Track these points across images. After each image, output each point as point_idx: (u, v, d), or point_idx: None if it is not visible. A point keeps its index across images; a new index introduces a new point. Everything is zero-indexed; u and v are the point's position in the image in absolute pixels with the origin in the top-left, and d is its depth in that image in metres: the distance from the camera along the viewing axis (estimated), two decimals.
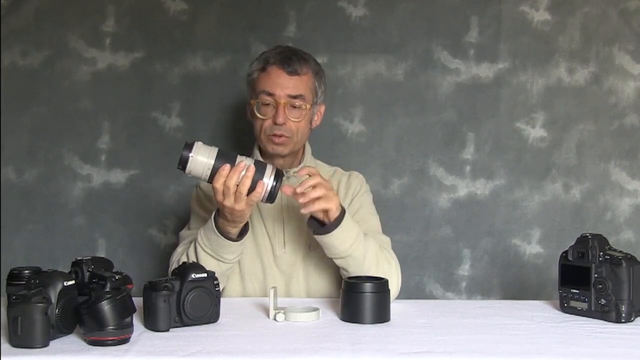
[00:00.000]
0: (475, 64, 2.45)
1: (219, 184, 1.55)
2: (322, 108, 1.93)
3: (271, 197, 1.57)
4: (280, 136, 1.81)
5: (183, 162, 1.54)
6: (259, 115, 1.83)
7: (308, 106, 1.84)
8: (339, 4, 2.45)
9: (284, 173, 1.61)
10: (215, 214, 1.66)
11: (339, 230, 1.64)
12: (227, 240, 1.65)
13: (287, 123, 1.81)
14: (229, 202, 1.56)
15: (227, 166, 1.55)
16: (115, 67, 2.45)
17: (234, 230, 1.66)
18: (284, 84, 1.81)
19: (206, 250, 1.67)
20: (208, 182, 1.57)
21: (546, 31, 2.45)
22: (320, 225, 1.66)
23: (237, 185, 1.55)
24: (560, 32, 2.45)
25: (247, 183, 1.54)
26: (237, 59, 2.42)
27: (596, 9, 2.44)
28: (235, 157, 1.57)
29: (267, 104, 1.82)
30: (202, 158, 1.55)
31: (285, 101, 1.80)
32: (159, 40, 2.45)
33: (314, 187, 1.61)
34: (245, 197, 1.55)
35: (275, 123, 1.80)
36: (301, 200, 1.61)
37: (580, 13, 2.45)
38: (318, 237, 1.67)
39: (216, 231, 1.64)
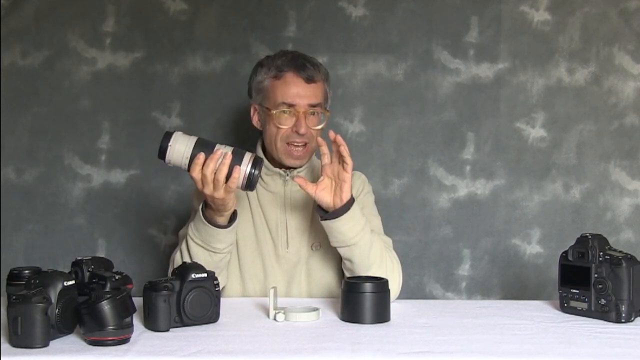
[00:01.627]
0: (475, 64, 2.45)
1: (195, 172, 1.56)
2: (328, 113, 1.94)
3: (250, 184, 1.58)
4: (300, 145, 1.81)
5: (162, 152, 1.56)
6: (278, 125, 1.81)
7: (326, 113, 1.85)
8: (339, 4, 2.45)
9: (262, 160, 1.63)
10: (203, 204, 1.66)
11: (348, 216, 1.65)
12: (215, 228, 1.65)
13: (307, 131, 1.81)
14: (208, 190, 1.57)
15: (202, 155, 1.55)
16: (115, 67, 2.45)
17: (221, 219, 1.66)
18: (303, 93, 1.81)
19: (196, 241, 1.68)
20: (187, 171, 1.58)
21: (546, 31, 2.45)
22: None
23: (215, 173, 1.55)
24: (560, 32, 2.45)
25: (224, 170, 1.55)
26: (237, 59, 2.42)
27: (596, 9, 2.44)
28: (214, 146, 1.58)
29: (286, 113, 1.81)
30: (180, 147, 1.56)
31: (305, 110, 1.81)
32: (159, 40, 2.45)
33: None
34: (224, 185, 1.56)
35: (297, 132, 1.80)
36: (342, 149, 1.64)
37: (580, 13, 2.45)
38: (326, 223, 1.67)
39: (204, 220, 1.65)
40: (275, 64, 1.84)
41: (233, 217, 1.68)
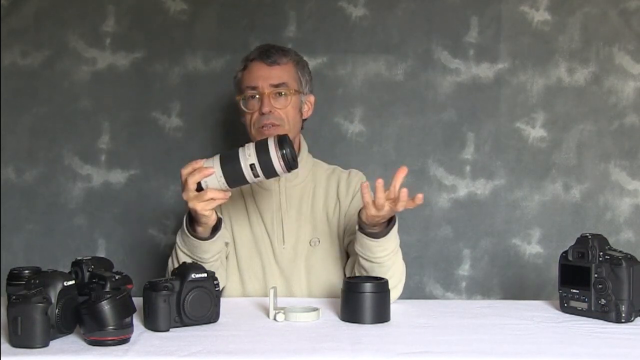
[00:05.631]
0: (475, 64, 2.45)
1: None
2: (312, 98, 1.93)
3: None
4: (270, 125, 1.80)
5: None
6: (246, 109, 1.84)
7: (292, 91, 1.84)
8: (339, 4, 2.45)
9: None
10: (187, 215, 1.64)
11: (386, 238, 1.63)
12: (196, 240, 1.64)
13: (274, 112, 1.81)
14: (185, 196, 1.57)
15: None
16: (115, 67, 2.45)
17: (201, 230, 1.64)
18: (265, 75, 1.82)
19: (183, 250, 1.67)
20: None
21: (546, 31, 2.45)
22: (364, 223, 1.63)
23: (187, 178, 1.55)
24: (560, 32, 2.45)
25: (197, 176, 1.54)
26: (237, 59, 2.36)
27: (596, 9, 2.44)
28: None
29: (253, 97, 1.83)
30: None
31: (269, 91, 1.81)
32: (159, 40, 2.45)
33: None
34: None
35: (262, 113, 1.80)
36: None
37: (580, 13, 2.45)
38: (361, 235, 1.64)
39: (186, 232, 1.64)
40: (246, 58, 1.89)
41: (218, 226, 1.66)
